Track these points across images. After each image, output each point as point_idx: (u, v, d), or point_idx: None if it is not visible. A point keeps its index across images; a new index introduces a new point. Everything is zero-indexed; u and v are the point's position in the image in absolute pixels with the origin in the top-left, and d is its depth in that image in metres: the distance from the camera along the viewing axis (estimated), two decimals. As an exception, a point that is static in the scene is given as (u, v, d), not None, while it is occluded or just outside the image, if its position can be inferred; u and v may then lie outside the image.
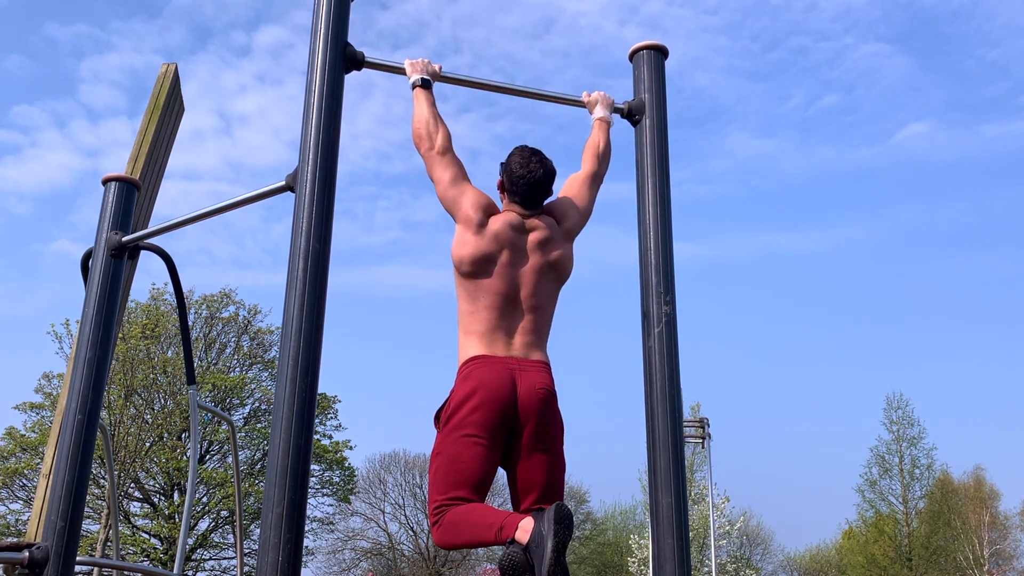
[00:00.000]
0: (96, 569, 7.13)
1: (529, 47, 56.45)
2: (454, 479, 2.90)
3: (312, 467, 21.51)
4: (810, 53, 57.76)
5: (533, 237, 3.14)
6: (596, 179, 3.37)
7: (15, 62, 48.18)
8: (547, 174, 3.18)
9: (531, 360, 3.04)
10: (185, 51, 50.68)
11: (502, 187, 3.24)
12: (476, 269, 3.06)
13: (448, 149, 3.15)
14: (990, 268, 57.97)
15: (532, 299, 3.09)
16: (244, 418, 29.31)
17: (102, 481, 25.45)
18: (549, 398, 3.01)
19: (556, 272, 3.16)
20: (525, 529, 2.66)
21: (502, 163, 3.25)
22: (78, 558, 3.42)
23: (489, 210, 3.13)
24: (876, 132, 58.33)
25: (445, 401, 3.04)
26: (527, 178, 3.14)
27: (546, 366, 3.08)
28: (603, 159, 3.38)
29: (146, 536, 27.46)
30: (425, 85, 3.19)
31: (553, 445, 3.03)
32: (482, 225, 3.08)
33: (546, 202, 3.25)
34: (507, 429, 2.96)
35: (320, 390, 2.82)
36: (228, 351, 29.83)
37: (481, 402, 2.92)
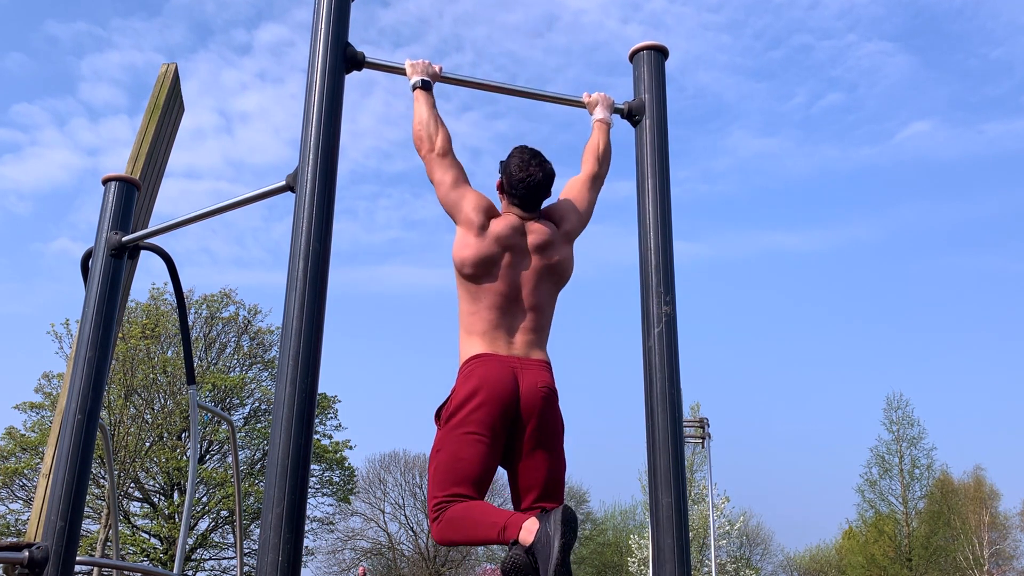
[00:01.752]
0: (96, 569, 7.13)
1: (531, 45, 56.45)
2: (455, 476, 2.90)
3: (312, 467, 21.51)
4: (813, 51, 57.84)
5: (533, 240, 3.14)
6: (596, 181, 3.37)
7: (15, 60, 48.25)
8: (546, 177, 3.19)
9: (532, 359, 3.05)
10: (186, 49, 50.75)
11: (501, 188, 3.24)
12: (478, 271, 3.06)
13: (448, 151, 3.16)
14: (991, 267, 58.03)
15: (533, 300, 3.10)
16: (244, 418, 29.32)
17: (102, 481, 25.45)
18: (551, 396, 3.02)
19: (556, 275, 3.16)
20: (529, 530, 2.65)
21: (501, 163, 3.25)
22: (78, 558, 3.42)
23: (490, 212, 3.14)
24: (878, 131, 58.39)
25: (446, 399, 3.04)
26: (526, 181, 3.15)
27: (547, 365, 3.09)
28: (603, 161, 3.38)
29: (146, 536, 27.47)
30: (425, 87, 3.19)
31: (554, 443, 3.03)
32: (483, 228, 3.08)
33: (545, 204, 3.25)
34: (508, 427, 2.97)
35: (320, 390, 2.82)
36: (228, 351, 29.84)
37: (483, 400, 2.93)
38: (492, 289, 3.05)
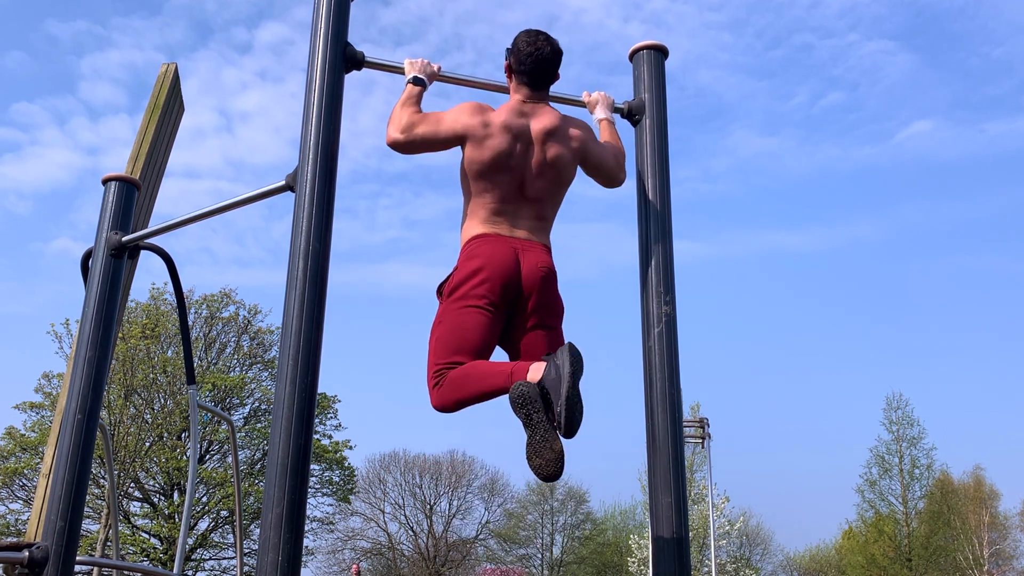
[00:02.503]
0: (96, 569, 7.13)
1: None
2: (456, 344, 2.93)
3: (312, 467, 21.51)
4: (814, 50, 57.80)
5: (538, 125, 3.12)
6: (612, 181, 3.29)
7: (15, 59, 48.26)
8: (554, 52, 3.17)
9: (534, 241, 3.10)
10: (186, 48, 50.75)
11: (509, 70, 3.21)
12: (487, 169, 3.05)
13: (419, 122, 3.06)
14: (991, 267, 58.00)
15: (534, 191, 3.11)
16: (244, 418, 29.31)
17: (102, 481, 25.45)
18: (550, 276, 3.07)
19: (555, 172, 3.12)
20: (537, 370, 2.69)
21: (508, 47, 3.22)
22: (78, 558, 3.42)
23: (483, 107, 3.12)
24: (880, 130, 58.37)
25: (448, 275, 3.08)
26: (535, 55, 3.14)
27: (548, 249, 3.14)
28: (623, 165, 3.31)
29: (146, 536, 27.46)
30: (417, 82, 3.18)
31: (554, 321, 3.08)
32: (487, 125, 3.06)
33: (570, 121, 3.20)
34: (510, 304, 3.02)
35: (320, 390, 2.82)
36: (228, 351, 29.84)
37: (487, 276, 2.97)
38: (496, 179, 3.06)
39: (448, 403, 2.90)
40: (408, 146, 3.06)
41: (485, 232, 3.06)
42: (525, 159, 3.08)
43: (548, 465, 2.59)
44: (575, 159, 3.18)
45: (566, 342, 2.72)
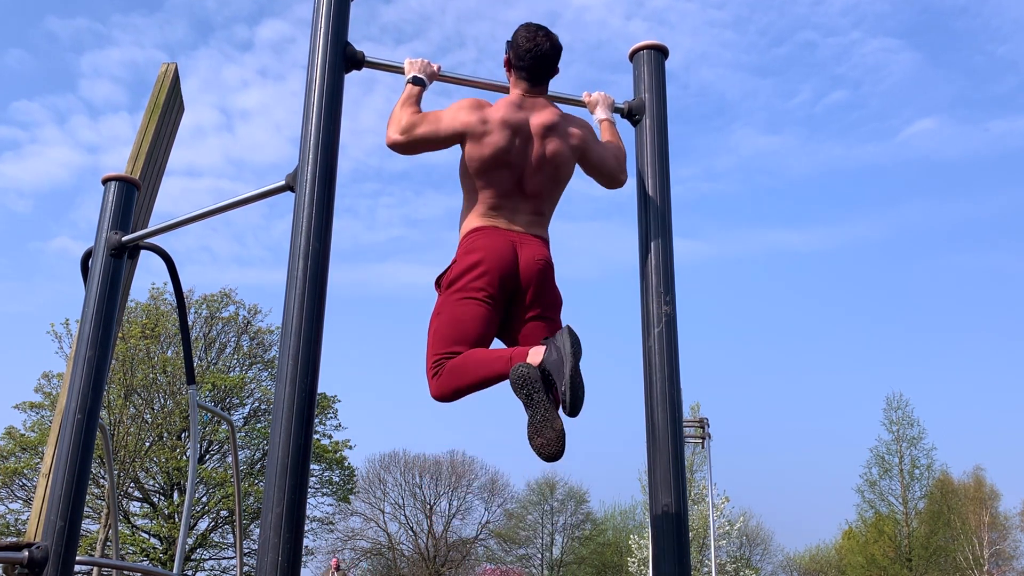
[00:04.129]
0: (96, 569, 7.13)
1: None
2: (455, 335, 2.95)
3: (312, 467, 21.49)
4: (818, 48, 57.69)
5: (537, 120, 3.13)
6: (614, 180, 3.30)
7: (15, 57, 48.23)
8: (554, 48, 3.17)
9: (532, 234, 3.11)
10: (186, 46, 50.71)
11: (508, 64, 3.22)
12: (491, 164, 3.06)
13: (419, 122, 3.06)
14: (993, 266, 57.92)
15: (533, 186, 3.12)
16: (244, 418, 29.32)
17: (102, 481, 25.45)
18: (547, 269, 3.09)
19: (553, 167, 3.12)
20: (536, 353, 2.71)
21: (508, 41, 3.23)
22: (78, 558, 3.42)
23: (481, 103, 3.13)
24: (883, 129, 58.27)
25: (447, 268, 3.09)
26: (534, 51, 3.14)
27: (546, 242, 3.15)
28: (624, 166, 3.31)
29: (146, 536, 27.46)
30: (417, 82, 3.18)
31: (552, 313, 3.10)
32: (485, 122, 3.07)
33: (569, 119, 3.21)
34: (508, 296, 3.04)
35: (320, 390, 2.82)
36: (228, 351, 29.84)
37: (485, 269, 2.99)
38: (496, 174, 3.07)
39: (448, 391, 2.91)
40: (408, 147, 3.07)
41: (483, 225, 3.08)
42: (524, 154, 3.09)
43: (550, 444, 2.62)
44: (574, 156, 3.18)
45: (564, 325, 2.75)
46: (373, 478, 41.45)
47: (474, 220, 3.10)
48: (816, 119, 58.96)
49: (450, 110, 3.11)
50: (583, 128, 3.23)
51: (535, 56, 3.14)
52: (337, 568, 13.92)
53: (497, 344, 3.09)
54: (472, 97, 3.16)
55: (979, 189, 58.35)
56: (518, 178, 3.10)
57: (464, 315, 2.96)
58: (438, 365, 2.94)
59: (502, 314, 3.06)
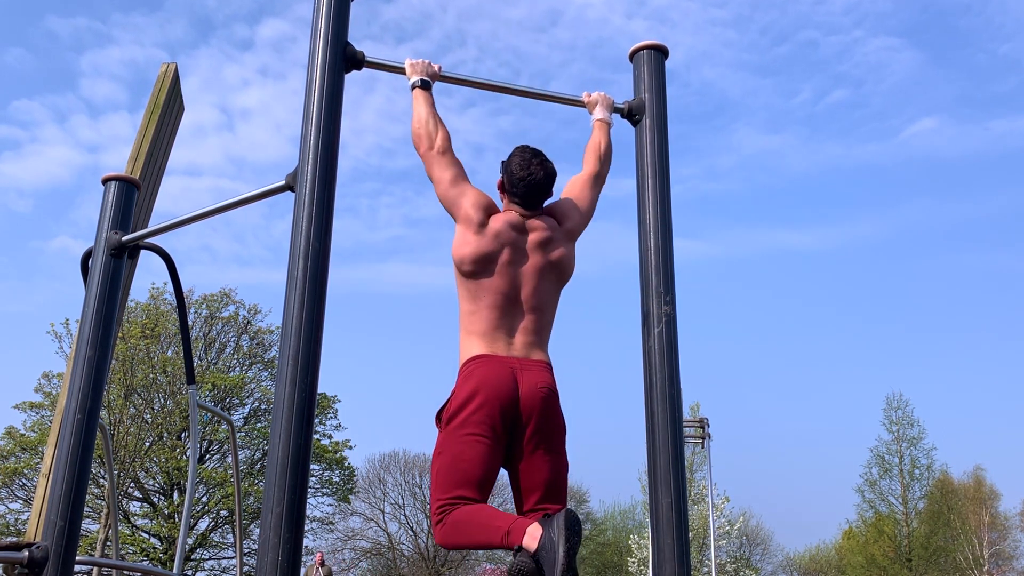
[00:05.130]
0: (96, 568, 7.13)
1: (535, 40, 56.15)
2: (457, 478, 2.89)
3: (312, 467, 21.48)
4: (819, 47, 57.52)
5: (534, 237, 3.14)
6: (598, 181, 3.37)
7: (15, 55, 48.12)
8: (547, 176, 3.18)
9: (533, 360, 3.04)
10: (187, 45, 50.64)
11: (502, 187, 3.25)
12: (477, 268, 3.05)
13: (448, 150, 3.16)
14: (995, 266, 57.82)
15: (533, 299, 3.09)
16: (244, 418, 29.32)
17: (102, 481, 25.45)
18: (551, 397, 3.01)
19: (557, 272, 3.15)
20: (533, 536, 2.64)
21: (503, 162, 3.25)
22: (78, 557, 3.42)
23: (490, 209, 3.14)
24: (885, 128, 58.12)
25: (447, 401, 3.03)
26: (527, 180, 3.14)
27: (548, 366, 3.09)
28: (604, 161, 3.38)
29: (146, 536, 27.46)
30: (424, 86, 3.20)
31: (556, 444, 3.02)
32: (483, 224, 3.08)
33: (547, 203, 3.25)
34: (509, 428, 2.96)
35: (320, 390, 2.82)
36: (228, 351, 29.84)
37: (483, 401, 2.92)
38: (492, 288, 3.05)
39: (450, 546, 2.91)
40: (437, 165, 3.14)
41: (482, 353, 3.01)
42: (521, 268, 3.09)
43: None
44: (573, 245, 3.23)
45: (563, 510, 2.67)
46: (373, 478, 41.47)
47: (472, 346, 3.04)
48: (817, 118, 58.92)
49: (471, 190, 3.14)
50: (568, 209, 3.27)
51: (528, 185, 3.15)
52: (322, 563, 13.79)
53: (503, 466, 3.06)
54: (489, 196, 3.18)
55: (980, 189, 58.32)
56: (515, 291, 3.07)
57: (465, 456, 2.90)
58: (442, 512, 2.88)
59: (504, 446, 2.99)
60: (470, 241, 3.06)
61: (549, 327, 3.16)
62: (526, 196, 3.16)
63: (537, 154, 3.21)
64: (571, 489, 43.84)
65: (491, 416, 2.91)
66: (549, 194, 3.23)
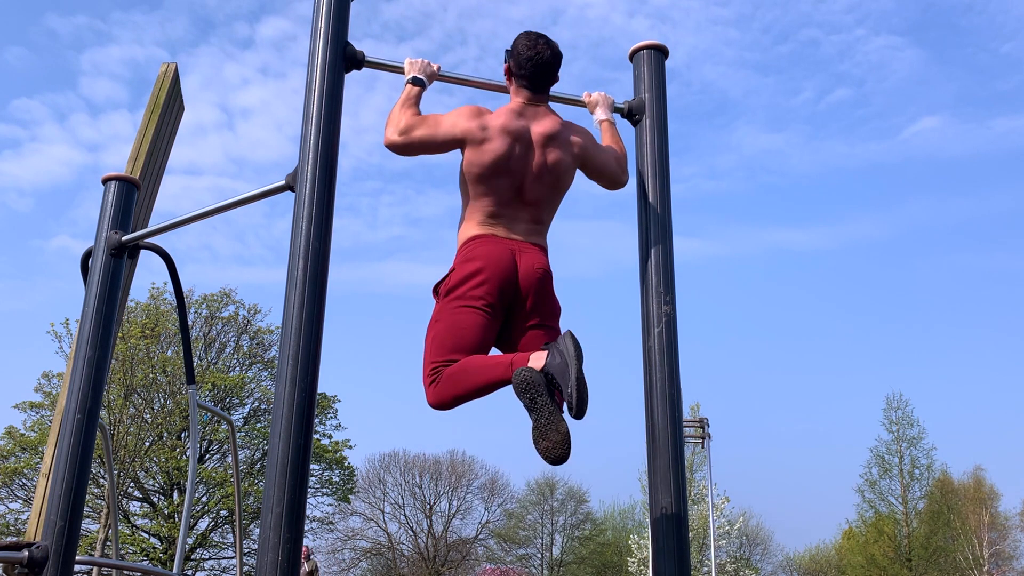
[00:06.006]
0: (96, 568, 7.13)
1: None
2: (453, 343, 2.94)
3: (312, 467, 21.47)
4: (821, 46, 57.51)
5: (538, 129, 3.13)
6: (615, 183, 3.31)
7: (15, 54, 48.14)
8: (555, 55, 3.18)
9: (530, 243, 3.11)
10: (187, 43, 50.65)
11: (509, 72, 3.22)
12: (487, 172, 3.06)
13: (416, 123, 3.06)
14: (996, 265, 57.77)
15: (532, 194, 3.12)
16: (244, 418, 29.32)
17: (102, 480, 25.46)
18: (546, 277, 3.09)
19: (553, 177, 3.13)
20: (539, 357, 2.71)
21: (507, 50, 3.23)
22: (77, 557, 3.42)
23: (481, 111, 3.12)
24: (886, 127, 58.12)
25: (445, 275, 3.08)
26: (535, 59, 3.14)
27: (545, 250, 3.15)
28: (625, 168, 3.32)
29: (145, 535, 27.47)
30: (416, 83, 3.18)
31: (551, 322, 3.10)
32: (485, 128, 3.07)
33: (567, 121, 3.22)
34: (507, 304, 3.03)
35: (320, 390, 2.82)
36: (228, 351, 29.85)
37: (486, 278, 2.98)
38: (495, 182, 3.07)
39: (446, 399, 2.90)
40: (405, 148, 3.07)
41: (482, 233, 3.07)
42: (524, 162, 3.09)
43: (555, 447, 2.62)
44: (574, 164, 3.19)
45: (566, 331, 2.75)
46: (373, 478, 41.47)
47: (472, 228, 3.10)
48: (819, 117, 58.90)
49: (450, 115, 3.10)
50: (583, 136, 3.23)
51: (536, 64, 3.14)
52: (307, 557, 13.72)
53: (495, 352, 3.08)
54: (473, 104, 3.16)
55: (982, 188, 58.26)
56: (518, 186, 3.09)
57: (463, 323, 2.95)
58: (435, 372, 2.92)
59: (501, 323, 3.05)
60: (488, 150, 3.04)
61: (548, 222, 3.20)
62: (534, 77, 3.16)
63: (542, 35, 3.21)
64: (571, 489, 43.89)
65: (491, 292, 2.98)
66: (556, 77, 3.22)
